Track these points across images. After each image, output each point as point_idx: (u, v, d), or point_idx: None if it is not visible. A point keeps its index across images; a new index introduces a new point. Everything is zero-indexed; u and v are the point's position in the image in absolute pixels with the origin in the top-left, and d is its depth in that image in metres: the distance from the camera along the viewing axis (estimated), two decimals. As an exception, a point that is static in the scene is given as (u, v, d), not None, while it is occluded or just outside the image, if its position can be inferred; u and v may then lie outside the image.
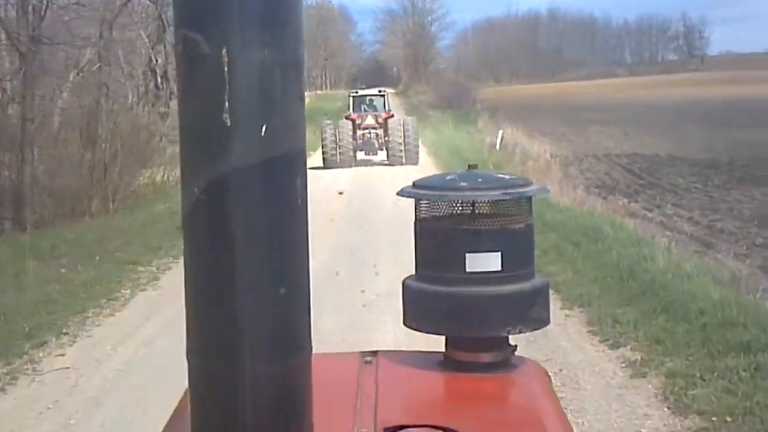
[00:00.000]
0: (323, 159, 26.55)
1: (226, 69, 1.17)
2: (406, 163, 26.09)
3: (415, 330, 1.86)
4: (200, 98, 1.20)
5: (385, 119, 27.88)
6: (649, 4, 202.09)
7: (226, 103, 1.17)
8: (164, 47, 28.06)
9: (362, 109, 28.51)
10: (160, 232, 14.30)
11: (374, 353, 1.93)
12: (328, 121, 27.77)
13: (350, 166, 26.39)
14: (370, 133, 27.59)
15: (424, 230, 1.86)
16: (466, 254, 1.78)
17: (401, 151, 26.58)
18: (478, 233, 1.79)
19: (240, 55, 1.17)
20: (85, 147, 17.85)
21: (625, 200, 19.96)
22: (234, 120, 1.18)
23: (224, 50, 1.17)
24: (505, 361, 1.84)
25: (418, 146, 27.05)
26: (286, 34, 1.21)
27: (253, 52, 1.18)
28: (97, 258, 12.04)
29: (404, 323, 1.90)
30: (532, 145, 34.46)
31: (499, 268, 1.78)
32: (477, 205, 1.83)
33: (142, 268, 11.55)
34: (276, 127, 1.20)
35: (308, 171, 1.27)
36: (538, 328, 1.85)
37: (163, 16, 27.14)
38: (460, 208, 1.84)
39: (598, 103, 61.72)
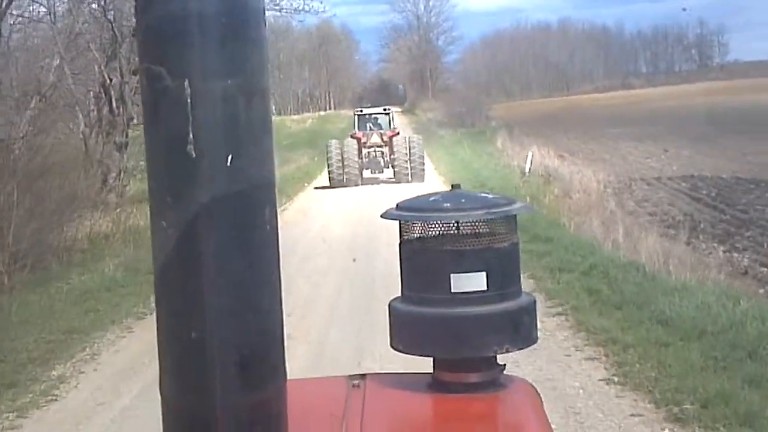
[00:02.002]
0: (329, 178, 26.53)
1: (189, 101, 1.16)
2: (413, 181, 25.67)
3: (402, 352, 1.76)
4: (165, 131, 1.18)
5: (390, 137, 27.36)
6: (662, 13, 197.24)
7: (191, 135, 1.16)
8: (119, 64, 22.82)
9: (367, 128, 28.24)
10: (40, 341, 9.05)
11: (362, 376, 1.87)
12: (334, 140, 27.85)
13: (356, 185, 26.00)
14: (375, 151, 27.41)
15: (409, 252, 1.77)
16: (451, 275, 1.70)
17: (407, 168, 26.22)
18: (463, 254, 1.71)
19: (202, 87, 1.16)
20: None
21: (721, 248, 14.65)
22: (199, 152, 1.16)
23: (186, 82, 1.16)
24: (494, 381, 1.76)
25: (423, 163, 26.69)
26: (249, 64, 1.19)
27: (215, 82, 1.17)
28: None
29: (391, 345, 1.80)
30: (565, 168, 29.34)
31: (485, 288, 1.70)
32: (461, 225, 1.75)
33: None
34: (242, 157, 1.18)
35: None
36: (526, 347, 1.74)
37: (114, 27, 21.93)
38: (444, 229, 1.75)
39: (620, 116, 57.29)
